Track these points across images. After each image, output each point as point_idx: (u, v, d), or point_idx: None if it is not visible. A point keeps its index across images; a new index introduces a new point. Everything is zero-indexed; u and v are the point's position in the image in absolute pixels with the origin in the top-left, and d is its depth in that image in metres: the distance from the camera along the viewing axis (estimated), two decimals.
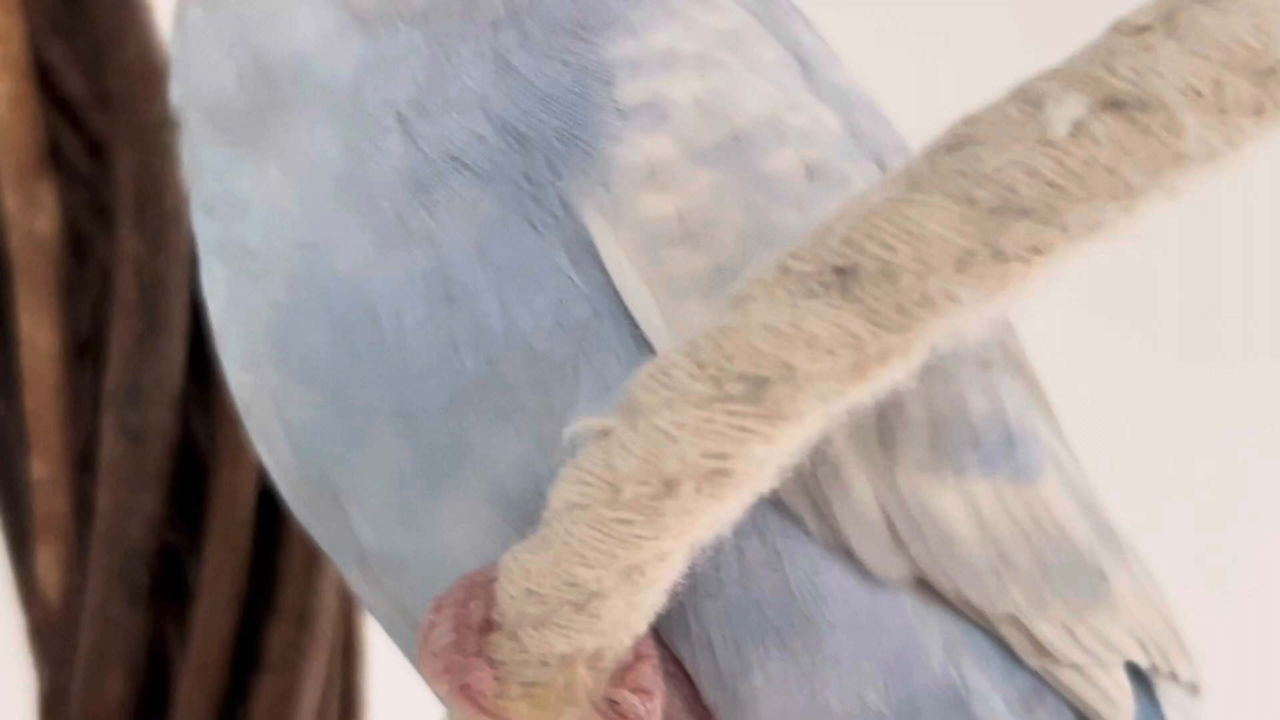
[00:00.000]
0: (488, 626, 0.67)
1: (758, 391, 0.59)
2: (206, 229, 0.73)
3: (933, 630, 0.71)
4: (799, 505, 0.69)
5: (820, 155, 0.70)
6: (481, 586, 0.67)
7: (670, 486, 0.61)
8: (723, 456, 0.60)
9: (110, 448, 0.91)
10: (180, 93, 0.73)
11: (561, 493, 0.64)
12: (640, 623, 0.66)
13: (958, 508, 0.71)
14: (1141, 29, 0.56)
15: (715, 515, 0.62)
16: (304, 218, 0.70)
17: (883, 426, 0.70)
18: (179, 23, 0.73)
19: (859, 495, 0.70)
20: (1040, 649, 0.73)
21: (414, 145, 0.68)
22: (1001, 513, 0.72)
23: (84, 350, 0.94)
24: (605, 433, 0.63)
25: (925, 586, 0.71)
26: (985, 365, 0.72)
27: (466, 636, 0.67)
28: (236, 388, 0.74)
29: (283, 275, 0.70)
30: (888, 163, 0.72)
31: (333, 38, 0.69)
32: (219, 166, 0.72)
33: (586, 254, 0.68)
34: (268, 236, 0.70)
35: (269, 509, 0.94)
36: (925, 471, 0.71)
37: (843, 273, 0.58)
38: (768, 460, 0.61)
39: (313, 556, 0.95)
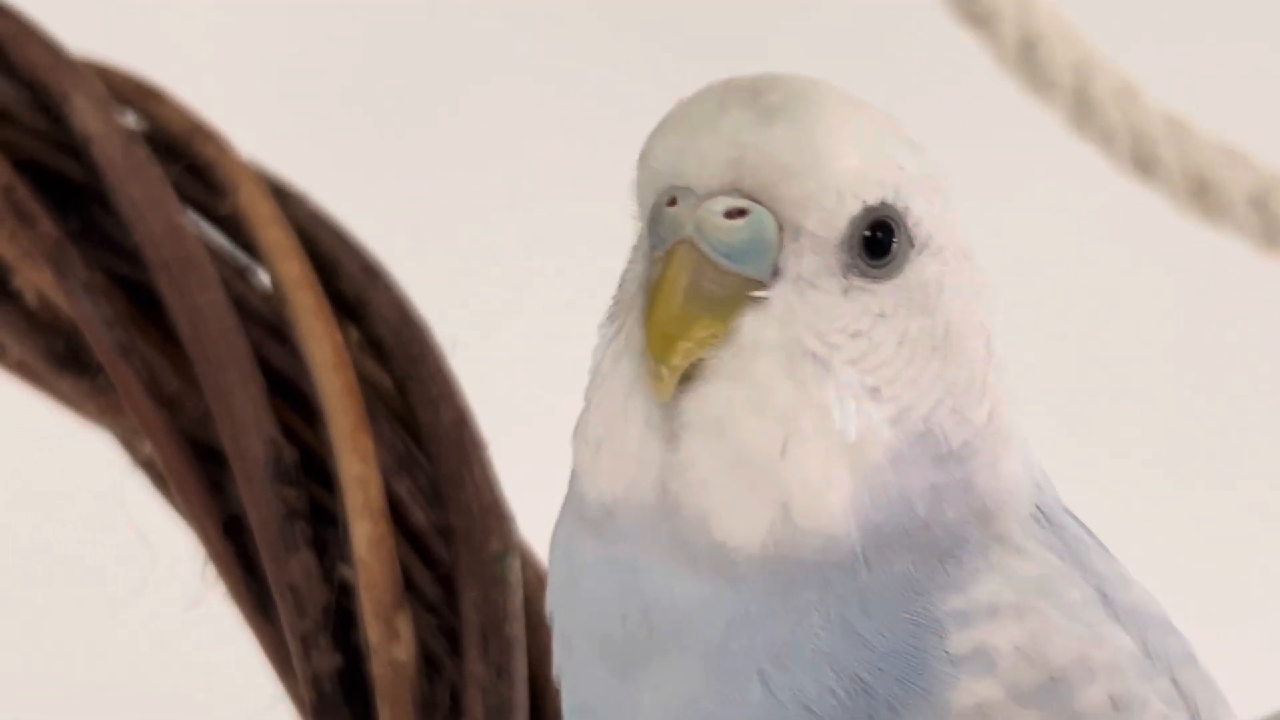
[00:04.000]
0: None
1: None
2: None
3: None
4: None
5: (1123, 686, 0.81)
6: None
7: None
8: None
9: None
10: (562, 615, 0.86)
11: None
12: None
13: None
14: None
15: None
16: None
17: None
18: (567, 546, 0.85)
19: None
20: None
21: (772, 695, 0.80)
22: None
23: None
24: None
25: None
26: None
27: None
28: None
29: None
30: (1178, 676, 0.83)
31: (709, 597, 0.81)
32: (598, 679, 0.84)
33: None
34: None
35: None
36: None
37: None
38: None
39: None
